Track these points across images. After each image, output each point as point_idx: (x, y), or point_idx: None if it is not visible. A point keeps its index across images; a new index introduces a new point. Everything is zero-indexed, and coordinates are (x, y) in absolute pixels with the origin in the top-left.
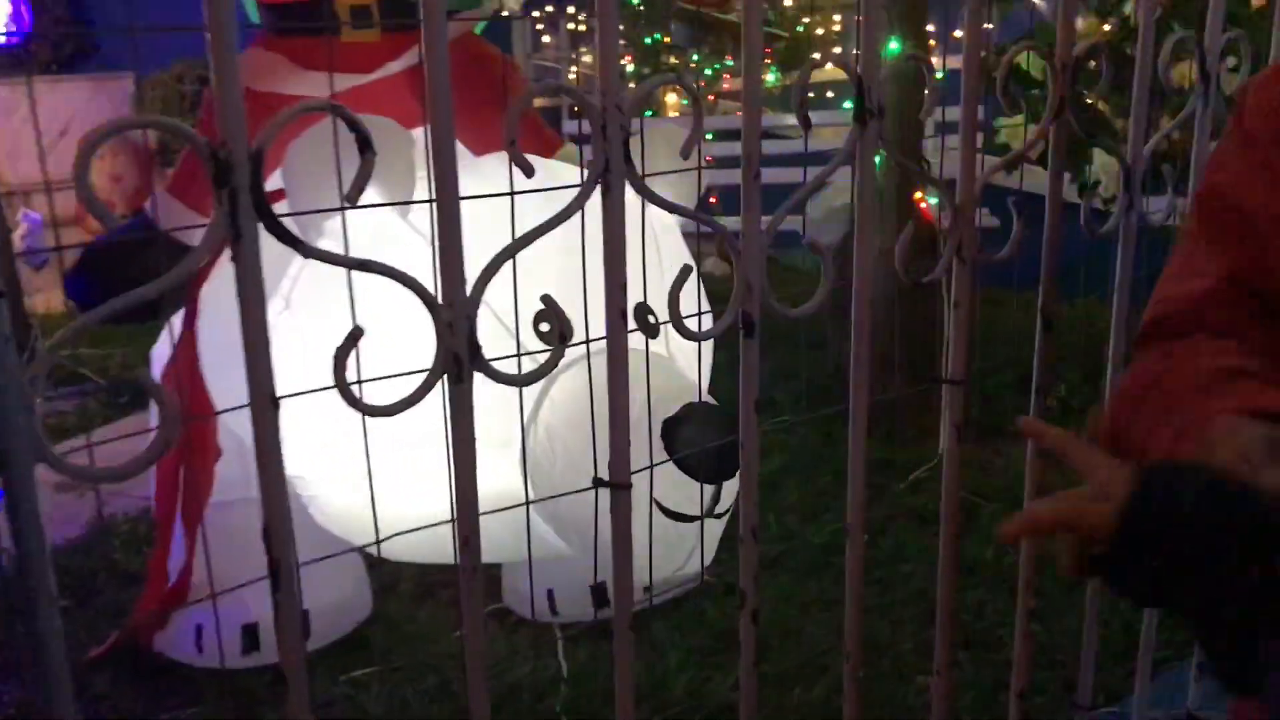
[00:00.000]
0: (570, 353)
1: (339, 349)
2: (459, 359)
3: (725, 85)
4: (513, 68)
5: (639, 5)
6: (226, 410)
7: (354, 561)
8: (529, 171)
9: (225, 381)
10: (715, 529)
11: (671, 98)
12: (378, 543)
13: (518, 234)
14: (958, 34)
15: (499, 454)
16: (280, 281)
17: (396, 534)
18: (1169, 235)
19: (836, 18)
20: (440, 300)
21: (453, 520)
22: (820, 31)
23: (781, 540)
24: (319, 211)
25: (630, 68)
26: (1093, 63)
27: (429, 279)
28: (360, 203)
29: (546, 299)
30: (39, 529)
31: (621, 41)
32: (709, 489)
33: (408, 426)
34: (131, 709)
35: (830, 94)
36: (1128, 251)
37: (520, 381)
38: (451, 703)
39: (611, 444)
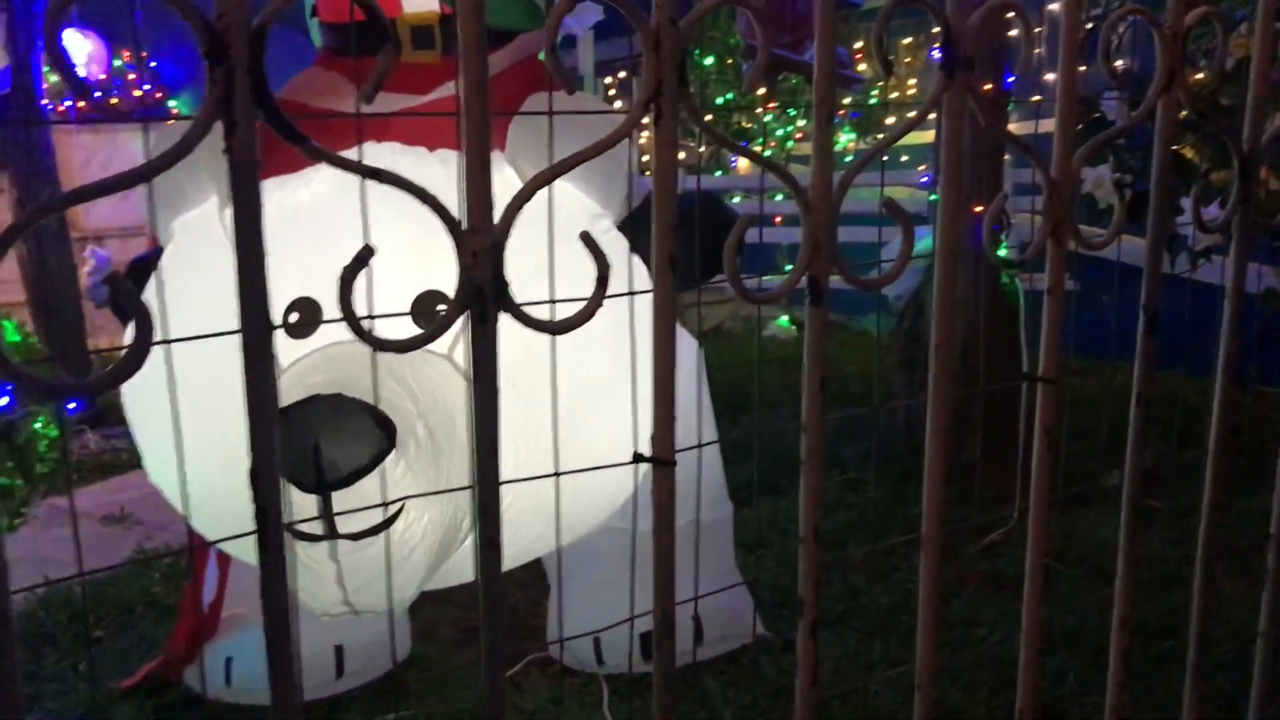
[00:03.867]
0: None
1: (346, 269)
2: (483, 293)
3: (799, 136)
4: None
5: (712, 69)
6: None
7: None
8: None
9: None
10: (372, 555)
11: (744, 160)
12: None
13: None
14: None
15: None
16: None
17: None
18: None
19: (912, 82)
20: (465, 226)
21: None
22: (895, 95)
23: (847, 598)
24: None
25: None
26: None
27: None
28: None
29: (584, 236)
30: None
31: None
32: (314, 500)
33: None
34: None
35: (905, 158)
36: (1241, 251)
37: (554, 329)
38: None
39: (656, 412)
